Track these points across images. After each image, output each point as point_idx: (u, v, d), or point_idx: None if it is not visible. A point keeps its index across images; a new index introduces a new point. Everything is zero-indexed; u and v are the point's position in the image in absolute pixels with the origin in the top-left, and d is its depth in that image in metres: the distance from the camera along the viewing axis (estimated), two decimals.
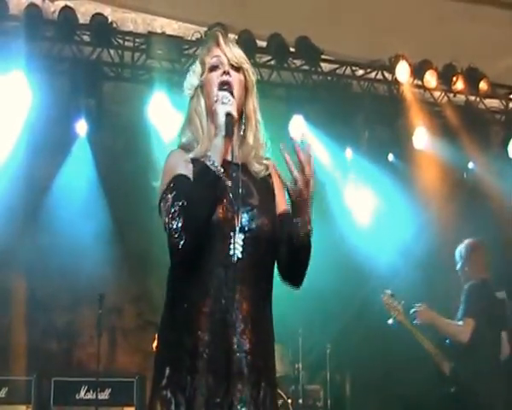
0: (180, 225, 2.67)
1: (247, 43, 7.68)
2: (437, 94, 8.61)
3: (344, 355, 8.45)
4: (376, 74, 8.42)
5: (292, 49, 7.88)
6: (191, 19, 7.83)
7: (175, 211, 2.71)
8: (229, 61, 2.98)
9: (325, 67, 8.22)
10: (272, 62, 7.98)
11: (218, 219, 2.74)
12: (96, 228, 7.73)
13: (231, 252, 2.72)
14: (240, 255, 2.76)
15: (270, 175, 3.02)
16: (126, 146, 8.31)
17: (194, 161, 2.88)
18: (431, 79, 8.33)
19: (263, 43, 7.81)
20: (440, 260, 8.15)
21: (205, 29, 7.67)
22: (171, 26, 7.89)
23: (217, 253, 2.74)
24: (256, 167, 2.97)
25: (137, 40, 7.53)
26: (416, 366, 7.36)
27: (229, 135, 2.74)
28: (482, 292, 6.37)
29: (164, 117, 7.60)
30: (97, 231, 7.72)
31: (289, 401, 7.60)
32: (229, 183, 2.77)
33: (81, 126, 7.54)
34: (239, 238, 2.75)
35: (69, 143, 7.74)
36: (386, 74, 8.42)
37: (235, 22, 7.71)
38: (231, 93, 2.88)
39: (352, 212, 8.70)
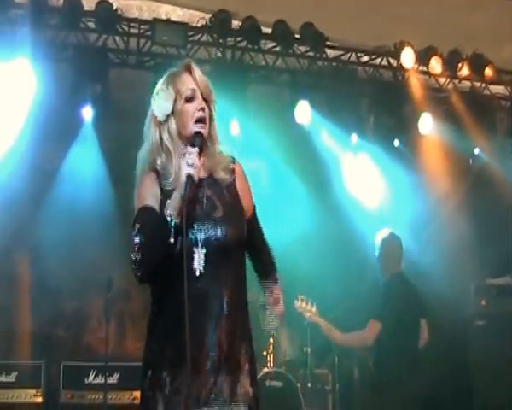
0: (138, 258, 2.99)
1: (251, 29, 7.73)
2: (442, 80, 8.61)
3: None
4: (381, 60, 8.43)
5: (297, 36, 7.90)
6: (196, 5, 7.85)
7: (135, 244, 3.00)
8: (202, 95, 3.21)
9: (330, 53, 8.23)
10: (277, 49, 7.99)
11: (177, 249, 3.00)
12: (103, 213, 7.75)
13: (194, 267, 3.02)
14: (202, 269, 3.03)
15: (234, 179, 3.24)
16: (132, 132, 8.30)
17: (163, 188, 3.15)
18: (436, 65, 8.34)
19: (268, 30, 7.83)
20: (446, 246, 8.20)
21: (209, 15, 7.71)
22: (176, 13, 7.90)
23: (186, 269, 2.95)
24: (222, 175, 3.19)
25: (142, 27, 7.54)
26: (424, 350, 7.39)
27: (186, 196, 2.95)
28: (392, 289, 6.52)
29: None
30: (104, 216, 7.75)
31: (298, 384, 7.61)
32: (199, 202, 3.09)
33: (87, 113, 7.56)
34: (201, 253, 3.02)
35: (75, 129, 7.76)
36: (392, 60, 8.43)
37: (239, 8, 7.74)
38: (204, 124, 3.15)
39: (357, 197, 8.70)
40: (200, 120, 3.16)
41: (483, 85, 8.73)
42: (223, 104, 7.72)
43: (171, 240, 2.94)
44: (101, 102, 7.60)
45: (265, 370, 7.63)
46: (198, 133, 3.14)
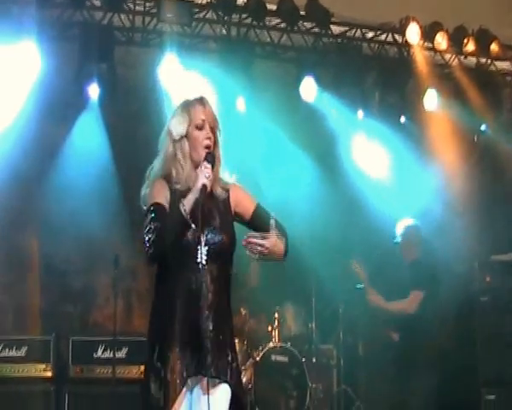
0: (152, 239, 3.60)
1: (256, 6, 7.73)
2: (447, 56, 8.59)
3: (356, 315, 8.55)
4: (387, 37, 8.42)
5: (302, 12, 7.89)
6: None
7: (150, 228, 3.61)
8: (209, 125, 3.85)
9: (335, 29, 8.23)
10: (282, 25, 7.99)
11: (189, 239, 3.68)
12: (110, 192, 7.82)
13: (198, 260, 3.67)
14: (204, 263, 3.68)
15: (228, 197, 3.89)
16: (138, 110, 8.37)
17: (174, 191, 3.79)
18: (441, 41, 8.31)
19: (273, 7, 7.82)
20: (451, 222, 8.24)
21: None
22: None
23: (189, 262, 3.67)
24: (219, 192, 3.86)
25: (148, 4, 7.54)
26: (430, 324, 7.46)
27: (200, 199, 3.65)
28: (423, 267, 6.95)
29: (175, 79, 7.65)
30: (111, 194, 7.81)
31: (303, 359, 7.69)
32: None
33: (93, 91, 7.59)
34: (204, 250, 3.68)
35: (80, 107, 7.80)
36: (397, 37, 8.41)
37: None
38: (210, 152, 3.81)
39: (364, 171, 8.74)
40: (207, 147, 3.82)
41: (489, 61, 8.71)
42: (228, 81, 7.85)
43: (193, 225, 3.62)
44: (107, 80, 7.63)
45: (271, 345, 7.72)
46: (210, 153, 3.81)
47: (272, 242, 3.73)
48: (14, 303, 8.10)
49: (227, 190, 3.90)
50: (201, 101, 3.91)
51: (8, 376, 6.70)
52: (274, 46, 8.18)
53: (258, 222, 3.90)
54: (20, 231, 8.08)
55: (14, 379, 6.69)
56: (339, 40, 8.28)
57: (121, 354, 6.76)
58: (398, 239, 7.09)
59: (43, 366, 6.75)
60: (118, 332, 6.38)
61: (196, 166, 3.78)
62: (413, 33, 8.18)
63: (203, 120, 3.84)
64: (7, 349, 6.75)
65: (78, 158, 7.84)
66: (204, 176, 3.67)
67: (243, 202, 3.95)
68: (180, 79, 7.83)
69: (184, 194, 3.70)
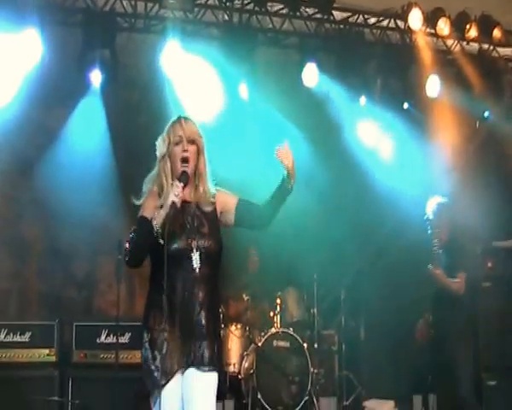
0: (129, 249, 4.06)
1: None
2: (450, 42, 8.58)
3: (358, 301, 8.59)
4: (389, 22, 8.41)
5: None
6: None
7: (130, 239, 4.07)
8: (187, 139, 4.13)
9: (337, 15, 8.22)
10: (284, 11, 7.99)
11: (183, 245, 4.06)
12: (111, 177, 7.85)
13: (192, 264, 4.04)
14: (197, 265, 4.05)
15: (215, 208, 4.22)
16: (139, 97, 8.39)
17: (161, 205, 4.10)
18: (444, 26, 8.31)
19: None
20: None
21: None
22: None
23: (182, 265, 4.04)
24: (205, 206, 4.19)
25: None
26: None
27: (169, 215, 3.99)
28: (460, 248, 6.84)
29: (177, 65, 7.67)
30: (113, 180, 7.84)
31: (305, 345, 7.73)
32: (189, 218, 4.15)
33: (95, 77, 7.61)
34: (197, 255, 4.05)
35: (82, 92, 7.82)
36: (399, 22, 8.40)
37: None
38: (187, 164, 4.13)
39: (367, 157, 8.76)
40: (184, 160, 4.13)
41: (491, 47, 8.70)
42: (231, 68, 7.85)
43: (161, 241, 3.98)
44: (109, 66, 7.64)
45: (273, 330, 7.75)
46: (184, 172, 4.11)
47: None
48: (18, 289, 8.15)
49: (213, 204, 4.23)
50: (180, 119, 4.22)
51: (12, 361, 6.72)
52: (276, 32, 8.18)
53: (244, 213, 4.26)
54: (23, 218, 8.12)
55: (18, 364, 6.70)
56: (341, 26, 8.29)
57: (124, 339, 6.77)
58: (430, 216, 6.83)
59: (47, 351, 6.77)
60: (121, 318, 6.37)
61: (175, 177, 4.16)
62: (415, 19, 8.17)
63: (180, 136, 4.14)
64: (11, 335, 6.77)
65: (80, 142, 7.87)
66: (174, 194, 4.02)
67: (227, 204, 4.26)
68: (182, 65, 7.84)
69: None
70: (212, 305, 4.09)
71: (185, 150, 4.11)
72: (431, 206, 6.85)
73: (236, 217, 4.22)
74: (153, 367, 3.98)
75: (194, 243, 4.06)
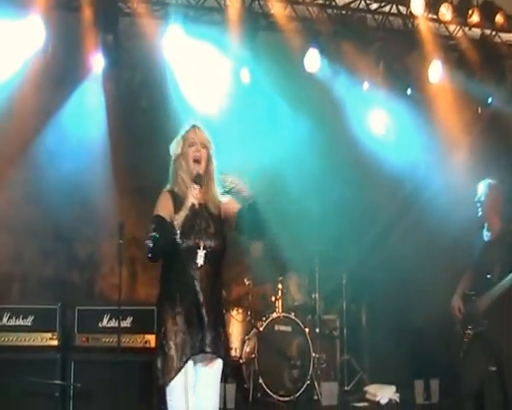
0: (151, 246, 4.37)
1: None
2: (452, 27, 8.55)
3: (360, 285, 8.61)
4: (391, 8, 8.38)
5: None
6: None
7: (149, 237, 4.38)
8: (200, 144, 4.58)
9: (340, 0, 8.20)
10: None
11: (191, 244, 4.45)
12: (115, 161, 7.86)
13: (197, 261, 4.42)
14: (202, 263, 4.43)
15: (219, 212, 4.61)
16: (141, 82, 8.40)
17: (176, 201, 4.52)
18: (446, 12, 8.27)
19: None
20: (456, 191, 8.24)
21: None
22: None
23: (188, 262, 4.43)
24: (212, 208, 4.60)
25: None
26: (433, 297, 7.49)
27: (189, 215, 4.43)
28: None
29: (179, 50, 7.67)
30: (116, 164, 7.86)
31: (306, 329, 7.75)
32: (197, 220, 4.53)
33: (97, 61, 7.62)
34: (202, 253, 4.43)
35: (84, 77, 7.86)
36: (401, 8, 8.38)
37: None
38: (199, 164, 4.57)
39: (371, 142, 8.77)
40: (196, 160, 4.56)
41: (493, 33, 8.67)
42: (233, 53, 7.84)
43: (178, 240, 4.40)
44: (112, 51, 7.64)
45: (274, 315, 7.77)
46: (199, 175, 4.53)
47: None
48: (20, 273, 8.18)
49: (218, 208, 4.64)
50: (194, 127, 4.67)
51: (15, 344, 6.73)
52: (278, 17, 8.15)
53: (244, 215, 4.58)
54: (25, 201, 8.14)
55: (20, 348, 6.71)
56: (343, 11, 8.26)
57: (126, 323, 6.78)
58: (482, 198, 6.45)
59: (49, 334, 6.77)
60: (122, 301, 6.40)
61: (191, 178, 4.55)
62: (417, 5, 8.14)
63: (193, 139, 4.60)
64: (13, 318, 6.78)
65: (83, 126, 7.90)
66: (192, 196, 4.45)
67: (229, 207, 4.62)
68: (184, 50, 7.84)
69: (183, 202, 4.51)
70: (214, 299, 4.50)
71: (198, 151, 4.56)
72: (482, 187, 6.49)
73: (237, 223, 4.57)
74: (169, 356, 4.37)
75: (201, 243, 4.46)
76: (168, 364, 4.35)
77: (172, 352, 4.36)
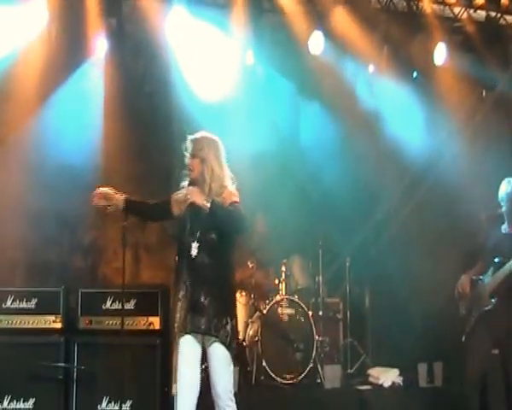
0: None
1: None
2: (457, 9, 8.51)
3: (364, 268, 8.61)
4: None
5: None
6: None
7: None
8: (191, 154, 5.15)
9: None
10: None
11: (188, 236, 5.00)
12: (119, 145, 7.86)
13: (191, 253, 4.95)
14: (196, 254, 4.94)
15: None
16: (145, 66, 8.38)
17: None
18: None
19: None
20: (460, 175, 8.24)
21: None
22: None
23: (187, 253, 4.97)
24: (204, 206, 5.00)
25: None
26: (437, 280, 7.49)
27: (187, 212, 5.08)
28: None
29: (182, 33, 7.66)
30: (119, 148, 7.85)
31: (309, 312, 7.75)
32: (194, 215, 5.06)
33: (100, 45, 7.61)
34: (196, 245, 4.95)
35: (87, 60, 7.86)
36: None
37: None
38: (190, 171, 5.16)
39: (376, 121, 8.75)
40: (188, 169, 5.15)
41: (498, 15, 8.62)
42: (237, 35, 7.82)
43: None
44: (116, 34, 7.65)
45: (277, 298, 7.77)
46: (192, 180, 5.13)
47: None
48: (24, 258, 8.19)
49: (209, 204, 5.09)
50: (189, 140, 5.20)
51: (19, 327, 6.76)
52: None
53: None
54: (29, 186, 8.15)
55: (24, 331, 6.74)
56: None
57: (130, 305, 6.79)
58: (505, 196, 6.26)
59: (53, 317, 6.80)
60: (126, 284, 6.40)
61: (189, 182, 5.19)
62: None
63: (186, 151, 5.18)
64: (17, 301, 6.80)
65: (86, 110, 7.88)
66: (189, 196, 5.01)
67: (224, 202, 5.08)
68: (187, 33, 7.82)
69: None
70: (212, 287, 4.94)
71: (189, 160, 5.16)
72: (505, 186, 6.32)
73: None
74: (175, 324, 4.97)
75: (195, 235, 4.98)
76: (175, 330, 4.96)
77: (177, 321, 4.95)
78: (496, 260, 6.23)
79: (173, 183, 8.16)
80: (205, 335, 4.92)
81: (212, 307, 4.91)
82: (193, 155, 5.17)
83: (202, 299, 4.90)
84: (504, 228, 6.38)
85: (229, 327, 4.95)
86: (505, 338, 6.18)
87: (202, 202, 4.98)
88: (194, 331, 4.93)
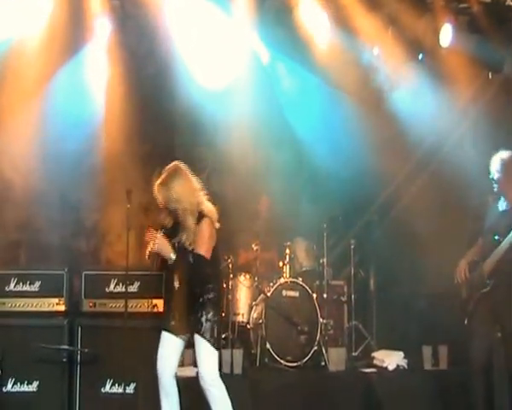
0: None
1: None
2: None
3: (368, 250, 8.58)
4: None
5: None
6: None
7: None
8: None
9: None
10: None
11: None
12: (121, 128, 7.83)
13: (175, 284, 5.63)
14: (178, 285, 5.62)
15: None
16: (148, 48, 8.34)
17: None
18: None
19: None
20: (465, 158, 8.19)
21: None
22: None
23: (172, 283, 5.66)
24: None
25: None
26: (442, 262, 7.45)
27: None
28: None
29: (185, 13, 7.64)
30: (122, 130, 7.83)
31: (314, 295, 7.73)
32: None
33: (104, 27, 7.58)
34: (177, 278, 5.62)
35: (91, 43, 7.83)
36: None
37: None
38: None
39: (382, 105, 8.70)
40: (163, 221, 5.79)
41: None
42: (241, 16, 7.77)
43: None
44: (119, 16, 7.62)
45: (282, 280, 7.75)
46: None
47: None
48: (27, 241, 8.18)
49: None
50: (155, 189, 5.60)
51: (22, 310, 6.76)
52: None
53: None
54: (32, 169, 8.13)
55: (27, 313, 6.75)
56: None
57: (133, 288, 6.79)
58: (495, 175, 6.32)
59: (56, 300, 6.79)
60: (129, 267, 6.39)
61: None
62: None
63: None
64: (20, 284, 6.81)
65: (88, 91, 7.86)
66: (155, 245, 5.55)
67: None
68: (190, 15, 7.79)
69: None
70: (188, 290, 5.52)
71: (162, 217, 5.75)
72: (495, 164, 6.37)
73: None
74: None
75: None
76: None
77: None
78: (495, 237, 6.23)
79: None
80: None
81: (192, 308, 5.55)
82: (164, 207, 5.57)
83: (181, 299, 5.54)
84: (501, 205, 6.37)
85: (204, 319, 5.51)
86: (506, 318, 6.18)
87: (169, 254, 5.46)
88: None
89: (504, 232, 6.20)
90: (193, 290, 5.58)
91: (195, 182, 5.62)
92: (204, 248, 5.55)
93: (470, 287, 6.32)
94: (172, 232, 5.65)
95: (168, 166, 5.61)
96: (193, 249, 5.54)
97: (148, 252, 5.60)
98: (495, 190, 6.38)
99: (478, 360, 6.27)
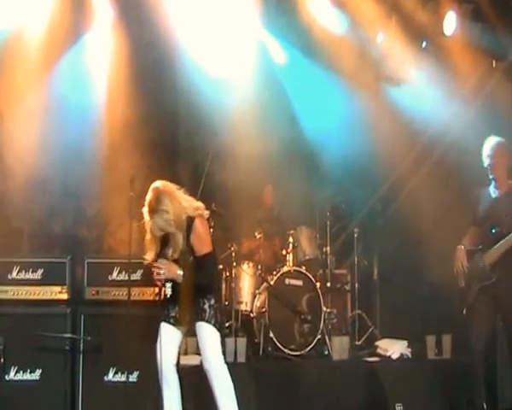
0: None
1: None
2: None
3: (372, 239, 8.56)
4: None
5: None
6: None
7: None
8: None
9: None
10: None
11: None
12: (123, 116, 7.80)
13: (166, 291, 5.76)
14: (170, 293, 5.73)
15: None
16: (150, 35, 8.31)
17: None
18: None
19: None
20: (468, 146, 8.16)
21: None
22: None
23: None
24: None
25: None
26: (446, 251, 7.43)
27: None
28: None
29: (188, 1, 7.59)
30: (124, 118, 7.80)
31: (317, 283, 7.72)
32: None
33: (106, 13, 7.54)
34: (169, 286, 5.74)
35: (92, 31, 7.80)
36: None
37: None
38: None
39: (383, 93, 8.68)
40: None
41: None
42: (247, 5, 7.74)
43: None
44: (122, 2, 7.60)
45: (285, 269, 7.74)
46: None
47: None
48: (30, 230, 8.16)
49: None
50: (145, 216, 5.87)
51: (25, 298, 6.71)
52: None
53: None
54: (34, 158, 8.11)
55: (30, 302, 6.70)
56: None
57: (136, 276, 6.75)
58: (487, 161, 6.39)
59: (59, 288, 6.75)
60: (132, 255, 6.36)
61: None
62: None
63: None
64: (23, 272, 6.76)
65: (89, 79, 7.84)
66: (162, 272, 5.73)
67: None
68: (193, 2, 7.76)
69: None
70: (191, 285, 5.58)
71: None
72: (487, 150, 6.44)
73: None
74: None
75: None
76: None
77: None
78: (493, 230, 6.20)
79: (179, 150, 8.23)
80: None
81: (187, 300, 5.60)
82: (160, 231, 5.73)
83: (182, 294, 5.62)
84: (493, 191, 6.38)
85: (206, 305, 5.63)
86: (510, 308, 6.16)
87: (176, 275, 5.60)
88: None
89: (501, 223, 6.20)
90: (195, 285, 5.64)
91: (177, 194, 5.75)
92: (206, 246, 5.69)
93: (470, 277, 6.32)
94: (163, 242, 5.83)
95: (151, 191, 5.80)
96: (195, 253, 5.67)
97: (158, 283, 5.76)
98: (490, 176, 6.41)
99: (478, 347, 6.29)
